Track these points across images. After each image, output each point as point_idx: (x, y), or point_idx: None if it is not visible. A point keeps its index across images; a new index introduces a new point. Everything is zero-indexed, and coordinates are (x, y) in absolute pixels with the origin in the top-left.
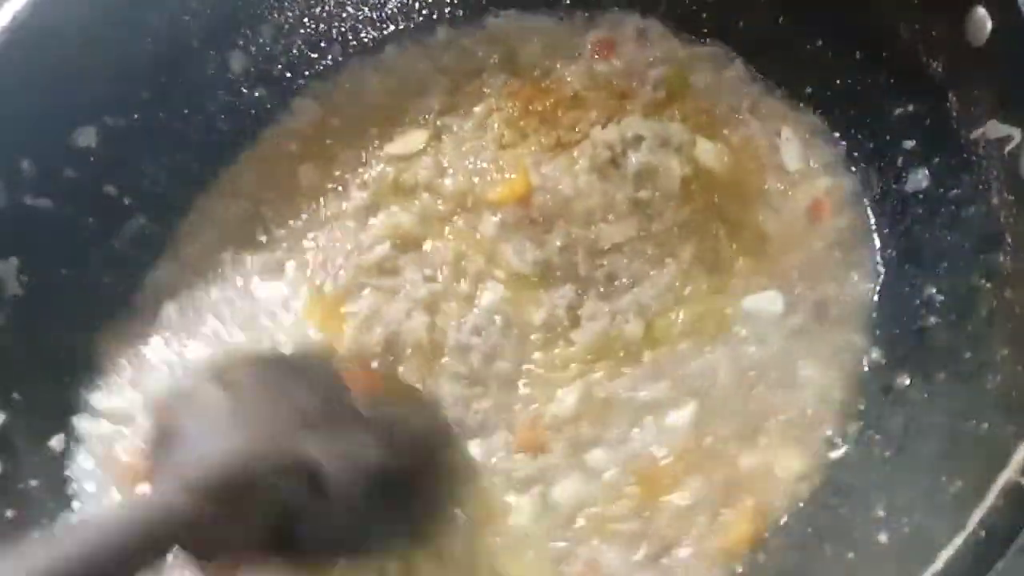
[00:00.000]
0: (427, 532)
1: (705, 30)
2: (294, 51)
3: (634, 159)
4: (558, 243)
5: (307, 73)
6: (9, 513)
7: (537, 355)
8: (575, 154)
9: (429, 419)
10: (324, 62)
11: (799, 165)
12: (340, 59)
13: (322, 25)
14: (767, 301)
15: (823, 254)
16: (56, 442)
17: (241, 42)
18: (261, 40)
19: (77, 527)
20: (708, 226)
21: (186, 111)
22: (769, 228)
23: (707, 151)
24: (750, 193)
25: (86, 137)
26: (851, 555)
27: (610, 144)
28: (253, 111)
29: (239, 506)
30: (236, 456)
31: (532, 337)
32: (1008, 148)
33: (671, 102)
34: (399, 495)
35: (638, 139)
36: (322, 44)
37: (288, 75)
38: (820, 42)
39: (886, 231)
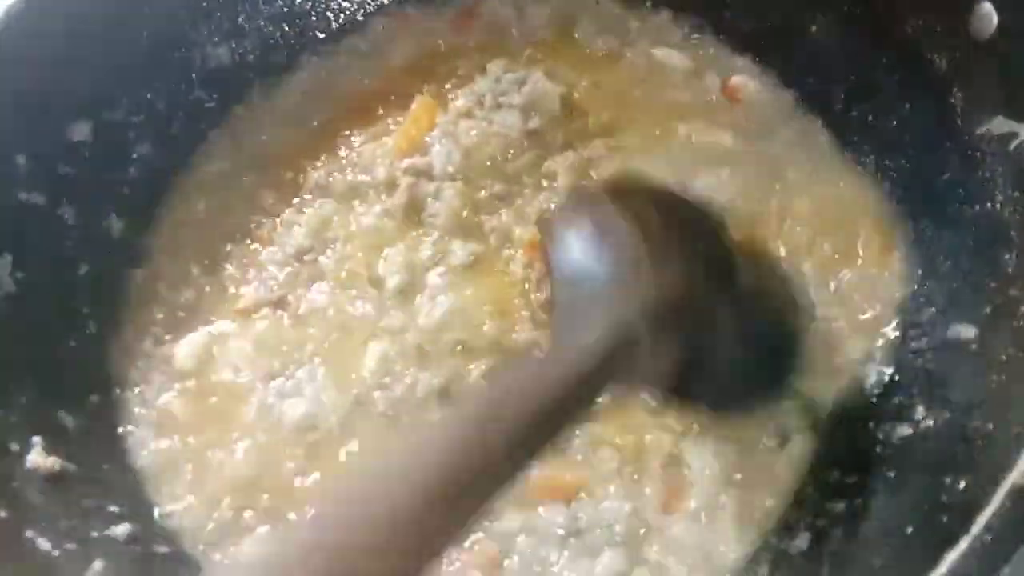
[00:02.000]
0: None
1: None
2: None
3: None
4: None
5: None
6: None
7: None
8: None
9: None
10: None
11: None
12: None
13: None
14: None
15: None
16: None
17: (237, 33)
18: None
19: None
20: None
21: (181, 102)
22: None
23: None
24: None
25: (81, 132)
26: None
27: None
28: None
29: (665, 340)
30: (652, 289)
31: None
32: (1013, 144)
33: None
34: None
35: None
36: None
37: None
38: (823, 37)
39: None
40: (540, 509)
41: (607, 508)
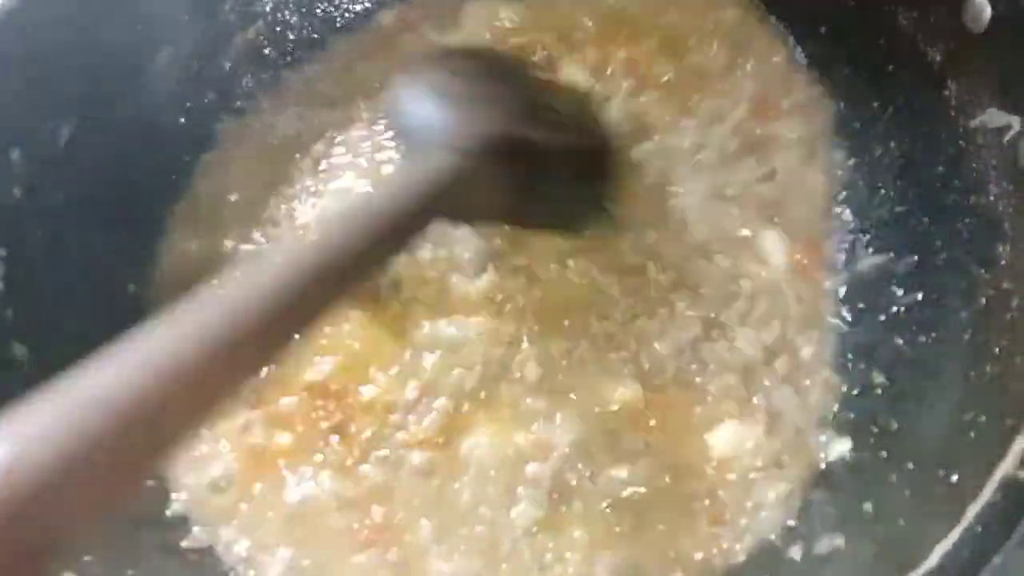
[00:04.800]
0: (607, 213)
1: None
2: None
3: None
4: None
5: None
6: None
7: None
8: None
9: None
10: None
11: None
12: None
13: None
14: None
15: None
16: None
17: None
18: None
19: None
20: None
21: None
22: None
23: None
24: None
25: (76, 128)
26: (845, 550)
27: None
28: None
29: (490, 173)
30: (490, 127)
31: None
32: (1007, 137)
33: None
34: (588, 175)
35: None
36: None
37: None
38: (815, 30)
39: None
40: None
41: None
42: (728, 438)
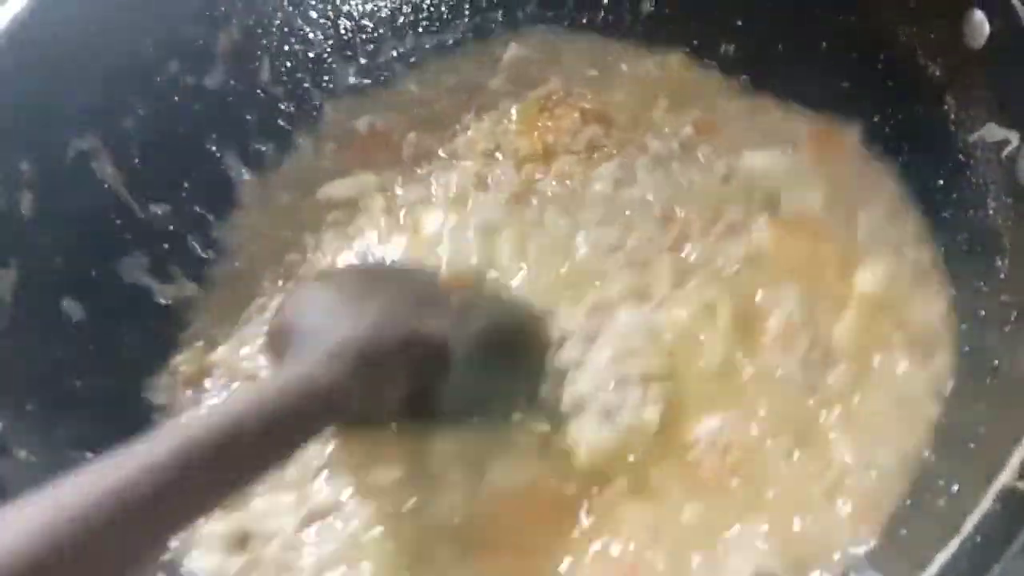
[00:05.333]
0: (532, 397)
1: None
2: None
3: None
4: None
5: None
6: None
7: None
8: None
9: (520, 306)
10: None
11: None
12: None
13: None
14: None
15: None
16: None
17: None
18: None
19: (233, 399)
20: None
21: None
22: None
23: None
24: None
25: (85, 140)
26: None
27: None
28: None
29: (377, 376)
30: (369, 330)
31: None
32: (1006, 151)
33: None
34: (506, 366)
35: None
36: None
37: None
38: (816, 45)
39: None
40: None
41: None
42: None
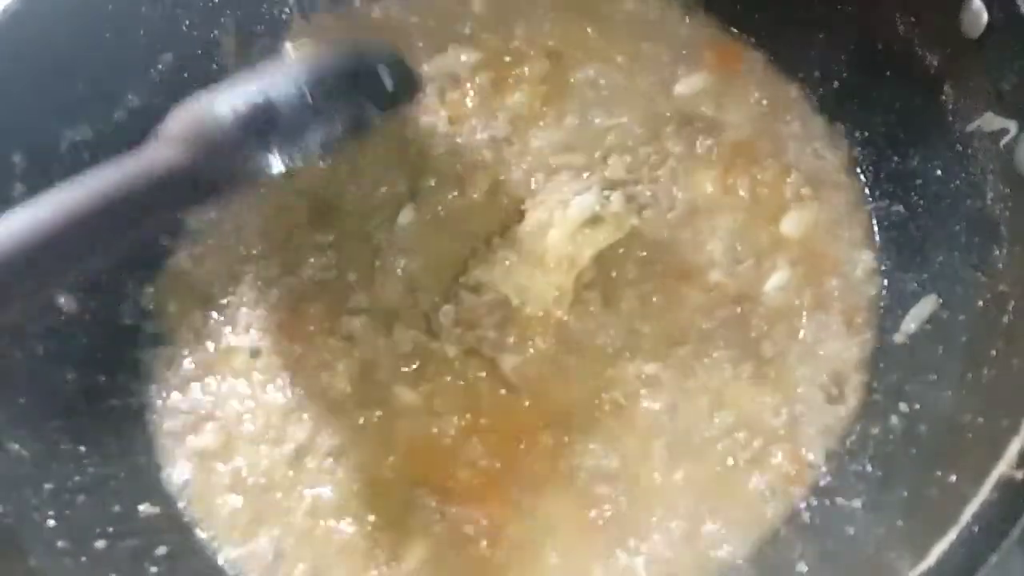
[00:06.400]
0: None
1: None
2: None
3: None
4: None
5: None
6: None
7: None
8: None
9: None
10: None
11: None
12: None
13: None
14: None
15: None
16: None
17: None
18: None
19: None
20: None
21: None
22: None
23: None
24: None
25: (78, 133)
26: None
27: None
28: None
29: (212, 148)
30: (194, 109)
31: None
32: (1003, 141)
33: None
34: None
35: None
36: None
37: None
38: (814, 33)
39: (880, 224)
40: None
41: None
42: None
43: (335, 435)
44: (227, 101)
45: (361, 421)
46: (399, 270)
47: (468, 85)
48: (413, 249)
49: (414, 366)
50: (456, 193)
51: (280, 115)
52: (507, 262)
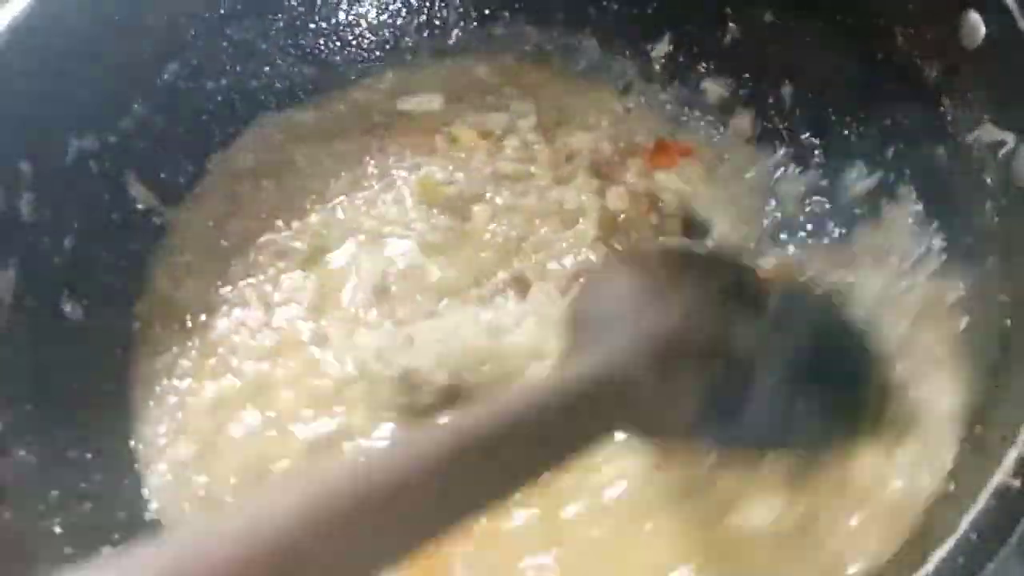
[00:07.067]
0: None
1: None
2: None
3: None
4: None
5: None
6: None
7: None
8: None
9: (836, 314)
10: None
11: None
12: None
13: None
14: None
15: None
16: None
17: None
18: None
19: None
20: None
21: (188, 113)
22: None
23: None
24: None
25: (87, 141)
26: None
27: None
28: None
29: (678, 376)
30: (677, 322)
31: None
32: (1002, 152)
33: None
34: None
35: None
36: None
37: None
38: (812, 46)
39: None
40: None
41: None
42: None
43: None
44: None
45: None
46: None
47: None
48: None
49: None
50: None
51: None
52: None
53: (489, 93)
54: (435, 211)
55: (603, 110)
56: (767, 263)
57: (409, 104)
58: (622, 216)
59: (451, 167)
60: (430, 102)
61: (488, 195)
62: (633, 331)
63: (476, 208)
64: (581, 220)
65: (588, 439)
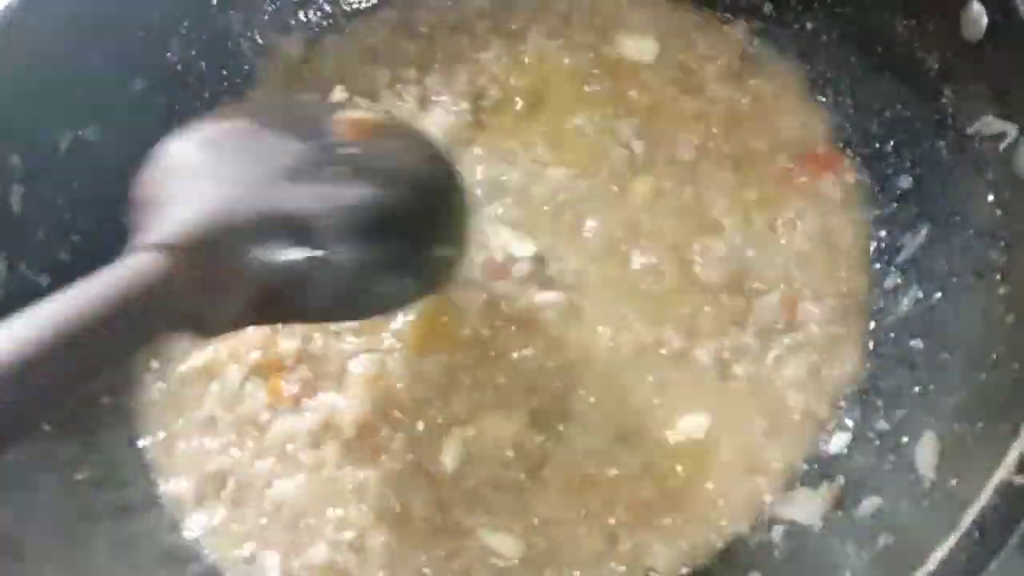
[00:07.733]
0: (437, 278)
1: None
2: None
3: None
4: None
5: None
6: None
7: None
8: None
9: (427, 154)
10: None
11: None
12: None
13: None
14: None
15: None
16: None
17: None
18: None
19: (38, 312)
20: None
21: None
22: None
23: None
24: None
25: (79, 134)
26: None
27: None
28: None
29: (225, 269)
30: (211, 213)
31: None
32: (1003, 144)
33: None
34: (402, 241)
35: None
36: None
37: None
38: (815, 37)
39: (878, 227)
40: None
41: None
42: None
43: None
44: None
45: None
46: None
47: None
48: None
49: None
50: None
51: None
52: None
53: None
54: None
55: None
56: None
57: None
58: None
59: None
60: None
61: None
62: (173, 221)
63: None
64: None
65: (132, 344)
